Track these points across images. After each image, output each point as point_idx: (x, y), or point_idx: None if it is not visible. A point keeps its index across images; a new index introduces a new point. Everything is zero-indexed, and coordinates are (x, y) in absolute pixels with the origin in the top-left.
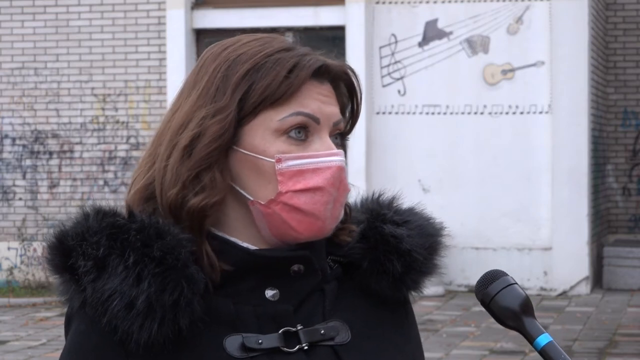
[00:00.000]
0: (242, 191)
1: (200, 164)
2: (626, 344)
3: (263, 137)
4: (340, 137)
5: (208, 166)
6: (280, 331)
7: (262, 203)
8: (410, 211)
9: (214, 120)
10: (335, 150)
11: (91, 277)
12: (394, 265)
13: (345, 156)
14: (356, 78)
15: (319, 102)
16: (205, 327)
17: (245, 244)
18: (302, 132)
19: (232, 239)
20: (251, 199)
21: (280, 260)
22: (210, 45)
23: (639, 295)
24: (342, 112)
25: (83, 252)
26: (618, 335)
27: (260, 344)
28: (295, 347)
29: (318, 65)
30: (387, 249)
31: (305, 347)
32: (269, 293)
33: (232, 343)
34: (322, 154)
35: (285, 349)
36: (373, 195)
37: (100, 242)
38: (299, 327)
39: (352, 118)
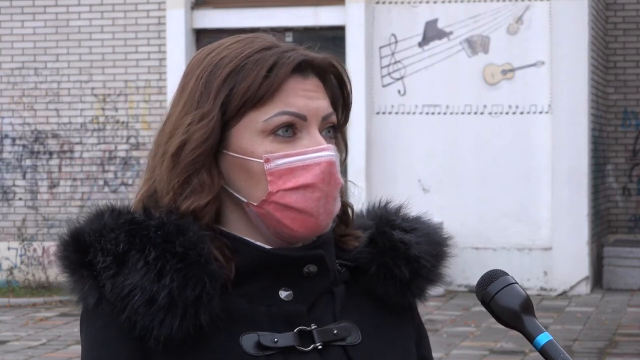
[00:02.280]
0: (235, 194)
1: (188, 169)
2: (626, 344)
3: (250, 138)
4: (334, 130)
5: (195, 171)
6: (295, 330)
7: (255, 204)
8: (418, 219)
9: (198, 126)
10: (325, 145)
11: (111, 273)
12: (402, 271)
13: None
14: (343, 69)
15: (304, 98)
16: (222, 325)
17: (259, 243)
18: (289, 130)
19: (246, 238)
20: (245, 201)
21: (295, 259)
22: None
23: (639, 295)
24: (334, 104)
25: (102, 248)
26: (618, 335)
27: (276, 342)
28: (310, 346)
29: (298, 61)
30: (396, 255)
31: (320, 347)
32: (283, 294)
33: (248, 341)
34: (310, 150)
35: (301, 347)
36: (380, 202)
37: (119, 238)
38: (313, 327)
39: (345, 109)
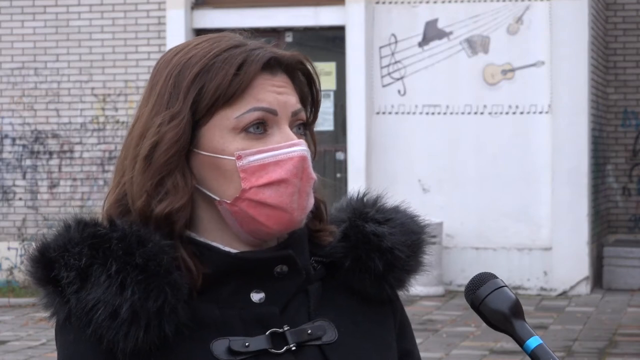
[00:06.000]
0: (207, 192)
1: (161, 171)
2: (626, 344)
3: (221, 136)
4: (304, 127)
5: (168, 172)
6: (267, 333)
7: (228, 202)
8: (394, 209)
9: (169, 127)
10: (296, 141)
11: (74, 288)
12: (376, 263)
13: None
14: (312, 66)
15: (274, 93)
16: (190, 333)
17: (226, 248)
18: (260, 126)
19: (213, 243)
20: (217, 199)
21: (264, 261)
22: None
23: (639, 295)
24: (303, 101)
25: (65, 263)
26: (618, 335)
27: (247, 346)
28: (283, 348)
29: (267, 58)
30: (369, 248)
31: (293, 348)
32: (256, 296)
33: (219, 347)
34: (282, 145)
35: (273, 350)
36: (358, 194)
37: (82, 253)
38: (285, 328)
39: (314, 106)
